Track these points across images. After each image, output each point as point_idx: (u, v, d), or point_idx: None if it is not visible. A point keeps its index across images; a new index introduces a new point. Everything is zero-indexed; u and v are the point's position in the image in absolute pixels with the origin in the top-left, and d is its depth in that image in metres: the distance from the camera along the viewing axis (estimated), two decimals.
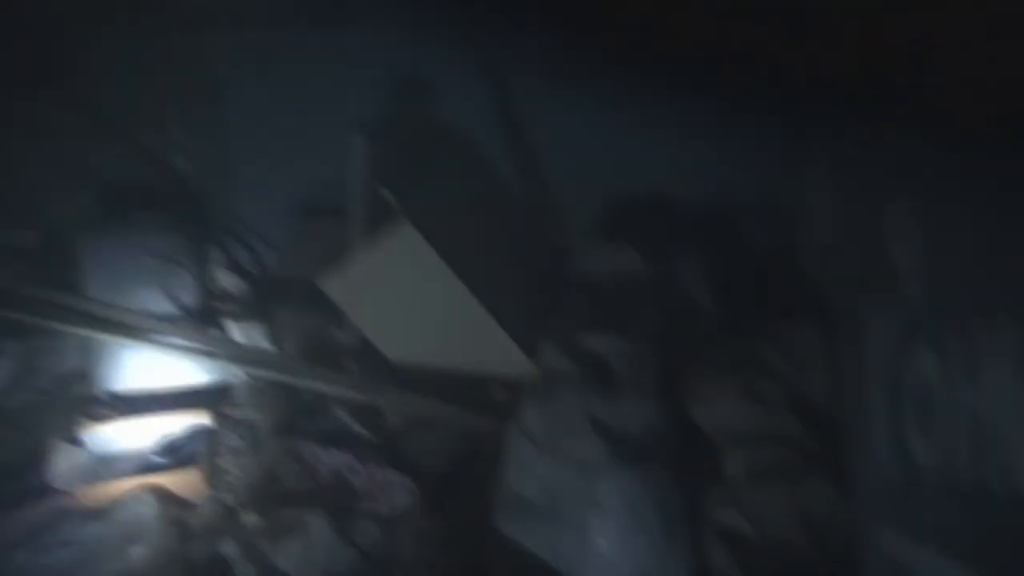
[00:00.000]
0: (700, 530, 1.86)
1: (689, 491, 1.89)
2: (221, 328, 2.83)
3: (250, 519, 2.21)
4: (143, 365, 2.71)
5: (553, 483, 1.85)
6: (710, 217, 2.55)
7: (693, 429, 2.01)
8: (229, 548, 2.09)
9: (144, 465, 2.44)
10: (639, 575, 1.77)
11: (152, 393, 2.69)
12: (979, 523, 1.27)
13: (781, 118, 2.48)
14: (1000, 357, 1.21)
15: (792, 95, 2.43)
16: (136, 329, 2.60)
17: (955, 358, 1.35)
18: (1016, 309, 1.16)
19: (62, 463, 2.41)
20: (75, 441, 2.47)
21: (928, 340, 1.46)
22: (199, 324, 2.82)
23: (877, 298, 1.74)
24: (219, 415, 2.58)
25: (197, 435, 2.53)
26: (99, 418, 2.54)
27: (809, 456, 1.88)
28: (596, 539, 1.78)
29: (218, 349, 2.64)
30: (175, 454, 2.49)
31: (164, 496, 2.32)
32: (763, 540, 1.79)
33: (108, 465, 2.44)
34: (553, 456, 1.88)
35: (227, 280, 3.04)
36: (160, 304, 2.82)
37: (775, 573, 1.74)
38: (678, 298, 2.23)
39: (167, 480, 2.36)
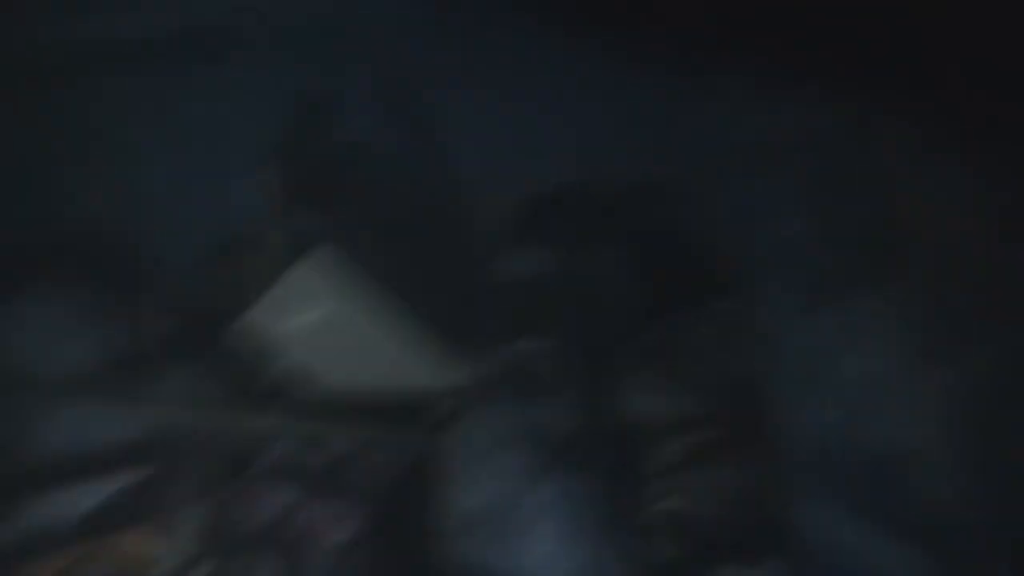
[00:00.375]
0: (643, 520, 1.98)
1: (628, 483, 2.00)
2: (150, 375, 2.87)
3: (202, 570, 2.28)
4: (74, 425, 2.74)
5: (493, 495, 1.95)
6: (619, 203, 2.65)
7: (625, 420, 2.12)
8: None
9: (90, 528, 2.48)
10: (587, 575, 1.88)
11: (87, 453, 2.72)
12: (872, 483, 1.40)
13: (676, 91, 2.60)
14: (873, 327, 1.33)
15: (684, 66, 2.55)
16: (61, 388, 2.62)
17: (839, 328, 1.48)
18: (881, 283, 1.29)
19: (1, 541, 2.44)
20: (14, 517, 2.50)
21: (817, 311, 1.59)
22: (126, 374, 2.85)
23: (775, 271, 1.87)
24: (159, 466, 2.63)
25: (140, 490, 2.57)
26: (36, 486, 2.57)
27: (737, 434, 2.01)
28: (543, 546, 1.89)
29: (149, 398, 2.68)
30: (120, 513, 2.53)
31: (115, 558, 2.36)
32: (703, 522, 1.91)
33: (52, 535, 2.48)
34: (490, 468, 1.98)
35: (150, 325, 3.07)
36: (82, 359, 2.84)
37: (717, 553, 1.86)
38: (596, 290, 2.34)
39: (116, 541, 2.40)
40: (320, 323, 2.57)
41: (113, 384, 2.67)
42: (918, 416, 1.27)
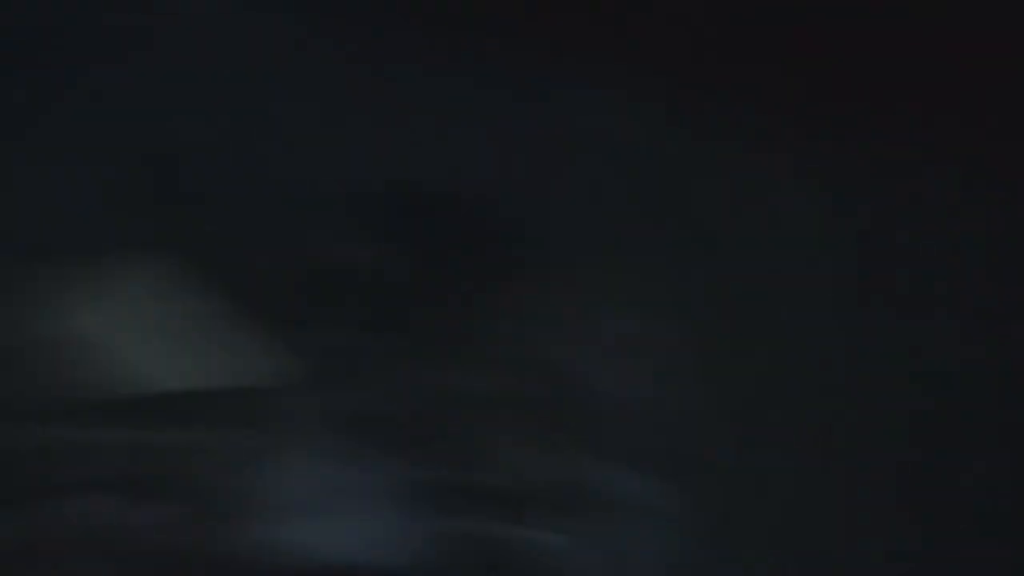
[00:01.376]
0: (454, 493, 2.12)
1: (443, 461, 2.14)
2: None
3: None
4: None
5: (315, 481, 2.04)
6: (435, 204, 2.81)
7: (437, 403, 2.27)
8: None
9: None
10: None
11: None
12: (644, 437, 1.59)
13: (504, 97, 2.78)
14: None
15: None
16: None
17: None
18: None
19: None
20: None
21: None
22: None
23: (570, 259, 2.06)
24: None
25: None
26: None
27: (550, 408, 2.19)
28: (364, 527, 2.00)
29: None
30: None
31: None
32: (510, 492, 2.08)
33: None
34: (312, 455, 2.08)
35: None
36: None
37: (519, 517, 2.02)
38: (406, 281, 2.48)
39: None
40: (142, 324, 2.60)
41: None
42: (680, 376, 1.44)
